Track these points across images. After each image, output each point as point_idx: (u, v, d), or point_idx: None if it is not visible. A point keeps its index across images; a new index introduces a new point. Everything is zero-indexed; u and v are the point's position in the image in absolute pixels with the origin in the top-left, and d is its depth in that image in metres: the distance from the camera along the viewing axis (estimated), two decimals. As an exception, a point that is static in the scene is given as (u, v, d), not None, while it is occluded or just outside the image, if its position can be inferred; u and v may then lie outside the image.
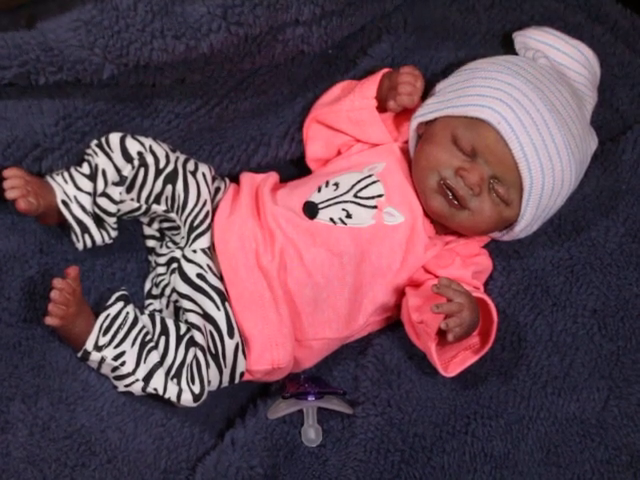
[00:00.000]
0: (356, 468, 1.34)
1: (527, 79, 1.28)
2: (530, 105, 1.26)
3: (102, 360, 1.26)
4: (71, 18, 1.21)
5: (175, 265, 1.32)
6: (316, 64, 1.45)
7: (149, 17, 1.23)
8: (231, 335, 1.26)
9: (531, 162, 1.26)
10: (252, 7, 1.26)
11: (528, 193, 1.27)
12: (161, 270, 1.35)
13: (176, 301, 1.32)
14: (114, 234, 1.33)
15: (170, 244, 1.36)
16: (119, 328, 1.27)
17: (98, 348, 1.26)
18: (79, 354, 1.27)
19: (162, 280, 1.35)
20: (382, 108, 1.39)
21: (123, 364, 1.26)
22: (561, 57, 1.40)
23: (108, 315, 1.28)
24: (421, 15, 1.51)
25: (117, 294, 1.30)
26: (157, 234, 1.38)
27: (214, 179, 1.36)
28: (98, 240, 1.32)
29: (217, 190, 1.36)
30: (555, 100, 1.28)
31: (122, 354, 1.26)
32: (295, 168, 1.47)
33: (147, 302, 1.37)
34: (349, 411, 1.36)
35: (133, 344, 1.27)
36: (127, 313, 1.29)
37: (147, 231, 1.38)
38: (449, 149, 1.29)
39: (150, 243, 1.38)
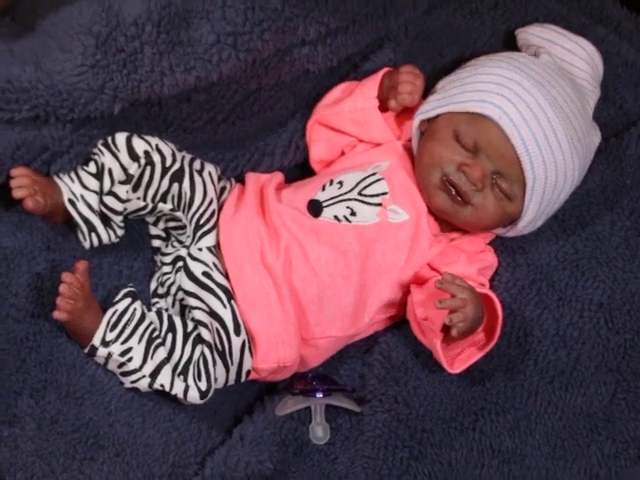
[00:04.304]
0: (365, 465, 1.34)
1: (528, 74, 1.29)
2: (531, 100, 1.27)
3: (109, 356, 1.27)
4: (75, 64, 1.22)
5: (181, 264, 1.33)
6: (320, 78, 1.45)
7: (157, 57, 1.24)
8: (237, 332, 1.26)
9: (533, 156, 1.26)
10: (261, 33, 1.27)
11: (531, 188, 1.28)
12: (167, 269, 1.36)
13: (182, 299, 1.33)
14: (120, 233, 1.34)
15: (176, 243, 1.36)
16: (126, 324, 1.28)
17: (105, 344, 1.27)
18: (86, 349, 1.28)
19: (168, 279, 1.36)
20: (384, 108, 1.40)
21: (130, 360, 1.27)
22: (563, 53, 1.41)
23: (116, 311, 1.29)
24: (424, 22, 1.51)
25: (125, 290, 1.31)
26: (163, 234, 1.39)
27: (220, 179, 1.37)
28: (105, 239, 1.33)
29: (223, 190, 1.37)
30: (557, 95, 1.28)
31: (129, 350, 1.27)
32: (299, 171, 1.48)
33: (153, 301, 1.37)
34: (357, 409, 1.36)
35: (140, 340, 1.27)
36: (135, 309, 1.29)
37: (153, 231, 1.39)
38: (451, 145, 1.30)
39: (156, 243, 1.39)
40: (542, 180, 1.27)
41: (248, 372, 1.29)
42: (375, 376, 1.37)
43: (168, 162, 1.30)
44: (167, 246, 1.38)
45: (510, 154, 1.27)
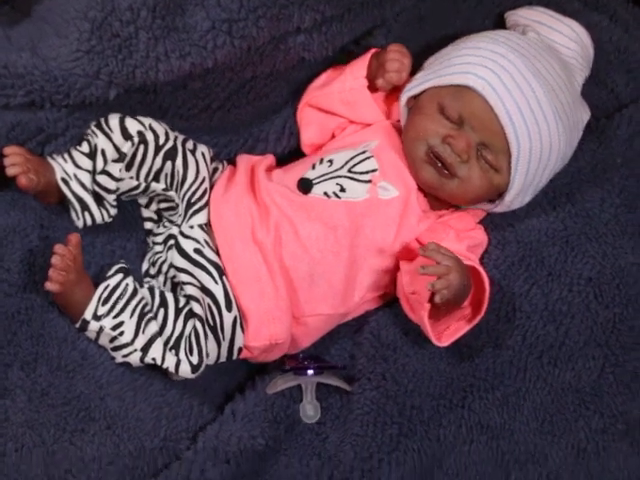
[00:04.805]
0: (353, 443, 1.35)
1: (512, 47, 1.30)
2: (515, 71, 1.27)
3: (100, 330, 1.27)
4: (70, 49, 1.22)
5: (172, 242, 1.33)
6: (316, 67, 1.46)
7: (152, 43, 1.25)
8: (229, 308, 1.28)
9: (517, 126, 1.27)
10: (256, 20, 1.27)
11: (516, 159, 1.28)
12: (158, 248, 1.37)
13: (174, 277, 1.34)
14: (113, 212, 1.35)
15: (167, 223, 1.37)
16: (118, 299, 1.28)
17: (97, 318, 1.27)
18: (78, 324, 1.28)
19: (159, 258, 1.36)
20: (373, 88, 1.40)
21: (122, 334, 1.27)
22: (551, 33, 1.41)
23: (107, 286, 1.29)
24: (416, 7, 1.51)
25: (117, 266, 1.32)
26: (155, 216, 1.39)
27: (212, 160, 1.38)
28: (98, 218, 1.33)
29: (215, 170, 1.39)
30: (541, 67, 1.29)
31: (121, 324, 1.27)
32: (291, 157, 1.48)
33: (145, 281, 1.37)
34: (348, 387, 1.37)
35: (132, 315, 1.28)
36: (126, 285, 1.30)
37: (145, 213, 1.40)
38: (436, 118, 1.31)
39: (148, 225, 1.40)
40: (527, 150, 1.28)
41: (240, 349, 1.30)
42: (364, 355, 1.38)
43: (161, 141, 1.30)
44: (159, 227, 1.39)
45: (494, 125, 1.27)
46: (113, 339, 1.28)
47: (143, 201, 1.39)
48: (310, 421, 1.37)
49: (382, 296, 1.41)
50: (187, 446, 1.32)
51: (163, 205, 1.37)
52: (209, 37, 1.26)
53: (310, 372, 1.36)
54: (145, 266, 1.39)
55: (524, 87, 1.27)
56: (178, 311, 1.30)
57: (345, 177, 1.34)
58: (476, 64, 1.29)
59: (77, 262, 1.26)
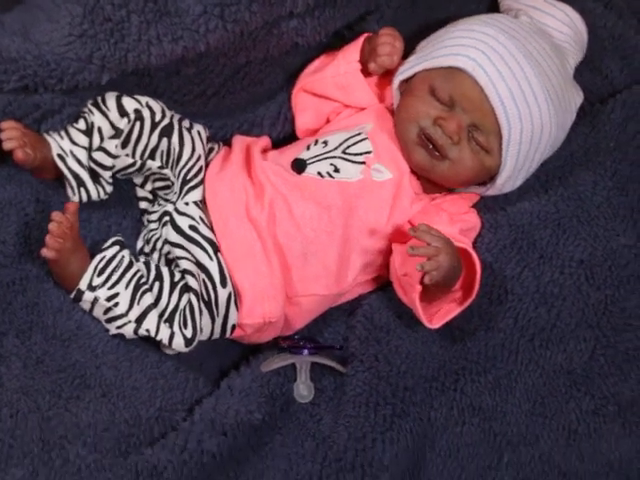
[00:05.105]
0: (347, 424, 1.35)
1: (503, 29, 1.31)
2: (505, 52, 1.29)
3: (95, 300, 1.27)
4: (62, 34, 1.23)
5: (167, 218, 1.34)
6: (309, 53, 1.47)
7: (144, 26, 1.25)
8: (224, 284, 1.28)
9: (508, 108, 1.28)
10: (248, 4, 1.28)
11: (507, 140, 1.29)
12: (153, 226, 1.37)
13: (168, 253, 1.34)
14: (109, 189, 1.35)
15: (162, 202, 1.38)
16: (114, 270, 1.28)
17: (92, 288, 1.27)
18: (72, 294, 1.28)
19: (154, 235, 1.37)
20: (366, 72, 1.42)
21: (116, 305, 1.27)
22: (544, 18, 1.43)
23: (103, 257, 1.29)
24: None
25: (113, 239, 1.32)
26: (150, 196, 1.40)
27: (208, 140, 1.39)
28: (93, 194, 1.34)
29: (211, 150, 1.40)
30: (532, 49, 1.31)
31: (116, 295, 1.27)
32: (285, 143, 1.48)
33: (140, 258, 1.38)
34: (342, 369, 1.37)
35: (127, 286, 1.28)
36: (122, 257, 1.30)
37: (140, 193, 1.40)
38: (427, 100, 1.32)
39: (142, 205, 1.41)
40: (517, 131, 1.29)
41: (233, 326, 1.31)
42: (357, 337, 1.38)
43: (157, 117, 1.32)
44: (153, 206, 1.40)
45: (485, 105, 1.28)
46: (107, 310, 1.28)
47: (138, 180, 1.40)
48: (303, 401, 1.37)
49: (375, 279, 1.42)
50: (183, 417, 1.32)
51: (158, 184, 1.38)
52: (201, 21, 1.27)
53: (305, 352, 1.37)
54: (140, 244, 1.40)
55: (515, 68, 1.28)
56: (173, 285, 1.31)
57: (339, 158, 1.35)
58: (467, 46, 1.30)
59: (74, 230, 1.27)
